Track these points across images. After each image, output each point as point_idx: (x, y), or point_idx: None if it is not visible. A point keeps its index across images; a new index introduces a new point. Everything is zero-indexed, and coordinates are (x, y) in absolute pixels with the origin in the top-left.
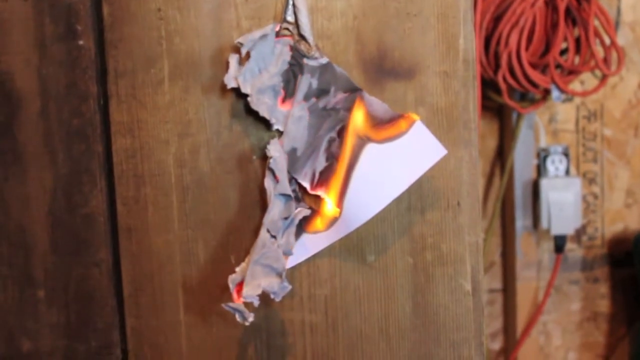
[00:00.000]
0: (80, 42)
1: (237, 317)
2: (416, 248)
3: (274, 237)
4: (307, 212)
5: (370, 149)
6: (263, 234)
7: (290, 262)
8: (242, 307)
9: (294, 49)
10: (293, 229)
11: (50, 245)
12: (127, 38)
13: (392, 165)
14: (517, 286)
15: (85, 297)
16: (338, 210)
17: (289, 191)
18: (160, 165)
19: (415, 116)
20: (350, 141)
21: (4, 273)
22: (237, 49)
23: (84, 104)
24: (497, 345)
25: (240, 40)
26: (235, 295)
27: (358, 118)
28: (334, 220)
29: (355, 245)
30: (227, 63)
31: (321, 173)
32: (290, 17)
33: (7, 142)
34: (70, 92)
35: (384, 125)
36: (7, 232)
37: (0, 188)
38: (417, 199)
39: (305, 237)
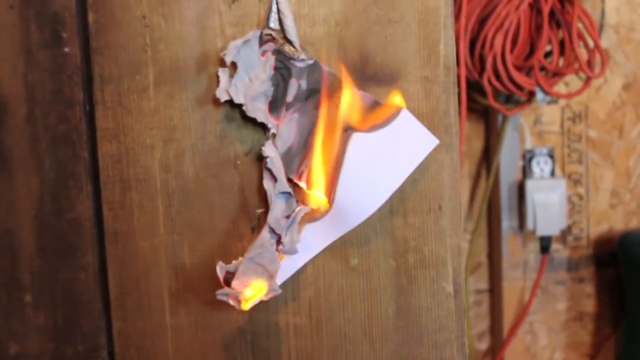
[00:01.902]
0: (66, 49)
1: (231, 302)
2: (399, 251)
3: (277, 235)
4: (307, 209)
5: (356, 139)
6: (264, 234)
7: (297, 265)
8: (233, 291)
9: (279, 53)
10: (296, 227)
11: (37, 249)
12: (113, 45)
13: (384, 156)
14: (504, 286)
15: (72, 301)
16: (326, 200)
17: (288, 189)
18: (145, 170)
19: (400, 101)
20: (337, 133)
21: None
22: (222, 61)
23: (69, 110)
24: (484, 345)
25: (224, 52)
26: (222, 282)
27: (342, 109)
28: (325, 212)
29: (339, 248)
30: (215, 72)
31: None
32: (272, 24)
33: None
34: (56, 98)
35: (369, 113)
36: None
37: None
38: (400, 202)
39: (306, 238)
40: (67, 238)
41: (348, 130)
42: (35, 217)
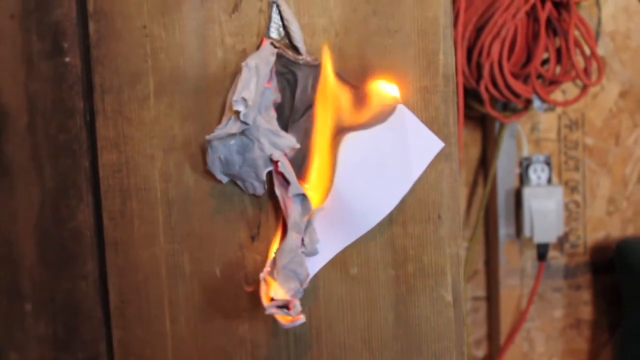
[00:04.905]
0: (67, 59)
1: (287, 312)
2: (398, 260)
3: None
4: (323, 209)
5: (349, 140)
6: (289, 239)
7: (314, 269)
8: (284, 301)
9: (281, 57)
10: (313, 227)
11: (37, 258)
12: (113, 55)
13: (385, 154)
14: (501, 293)
15: (72, 310)
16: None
17: (302, 191)
18: (146, 179)
19: (395, 93)
20: (332, 132)
21: None
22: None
23: (70, 119)
24: (481, 352)
25: (251, 63)
26: (265, 297)
27: (335, 109)
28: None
29: (339, 258)
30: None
31: None
32: (273, 34)
33: None
34: (57, 107)
35: (363, 106)
36: None
37: None
38: (399, 211)
39: (322, 242)
40: (68, 247)
41: (342, 131)
42: (36, 226)
